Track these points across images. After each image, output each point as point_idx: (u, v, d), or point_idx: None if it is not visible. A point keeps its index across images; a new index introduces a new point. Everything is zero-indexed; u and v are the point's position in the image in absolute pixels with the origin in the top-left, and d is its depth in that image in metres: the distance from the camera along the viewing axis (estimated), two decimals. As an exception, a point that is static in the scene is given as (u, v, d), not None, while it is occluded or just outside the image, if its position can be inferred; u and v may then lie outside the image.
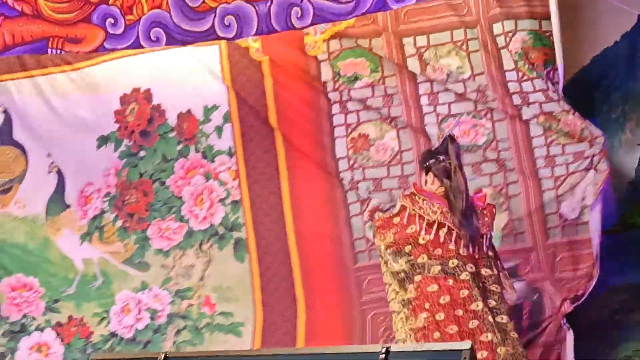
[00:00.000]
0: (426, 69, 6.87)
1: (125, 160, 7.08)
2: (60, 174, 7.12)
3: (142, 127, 7.09)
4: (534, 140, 6.70)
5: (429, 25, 6.93)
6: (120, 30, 7.06)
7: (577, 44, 6.98)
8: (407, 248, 5.23)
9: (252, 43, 7.00)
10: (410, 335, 5.17)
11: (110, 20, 7.07)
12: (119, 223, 7.04)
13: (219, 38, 7.02)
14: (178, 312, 6.85)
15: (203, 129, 7.03)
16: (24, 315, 6.86)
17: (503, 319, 5.26)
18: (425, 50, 6.90)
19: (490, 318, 5.16)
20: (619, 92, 7.06)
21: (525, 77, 6.78)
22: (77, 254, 7.00)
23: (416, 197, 5.32)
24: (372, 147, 6.78)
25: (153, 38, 7.09)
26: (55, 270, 6.95)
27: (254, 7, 7.09)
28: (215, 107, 6.98)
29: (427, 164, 5.39)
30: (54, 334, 6.83)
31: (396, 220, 5.29)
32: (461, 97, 6.79)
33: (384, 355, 3.82)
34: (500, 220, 6.53)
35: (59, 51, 6.68)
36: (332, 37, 6.95)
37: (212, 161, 7.01)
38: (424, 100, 6.84)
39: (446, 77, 6.87)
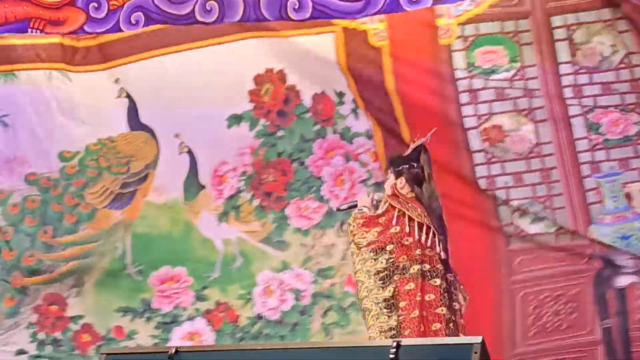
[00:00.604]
0: (576, 55, 6.65)
1: (262, 139, 6.96)
2: (191, 154, 7.01)
3: (278, 107, 6.94)
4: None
5: (576, 2, 6.66)
6: (102, 15, 6.90)
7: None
8: (389, 247, 5.30)
9: (374, 24, 6.71)
10: (380, 334, 5.29)
11: (94, 4, 6.90)
12: (256, 202, 6.99)
13: (197, 22, 6.84)
14: (321, 292, 6.93)
15: (339, 110, 6.89)
16: (175, 307, 6.95)
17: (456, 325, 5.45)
18: (576, 30, 6.64)
19: (452, 325, 5.33)
20: None
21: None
22: (216, 235, 7.01)
23: (400, 198, 5.38)
24: (508, 138, 6.64)
25: (133, 22, 6.91)
26: (199, 256, 6.97)
27: (241, -6, 6.78)
28: (343, 93, 6.84)
29: (400, 168, 5.42)
30: (205, 322, 6.94)
31: (382, 219, 5.36)
32: (608, 89, 6.62)
33: (394, 349, 3.84)
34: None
35: (39, 31, 6.62)
36: (470, 20, 6.66)
37: (351, 143, 6.93)
38: (567, 92, 6.69)
39: (598, 64, 6.64)
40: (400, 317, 5.22)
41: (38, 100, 6.91)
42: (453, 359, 3.80)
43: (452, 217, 6.30)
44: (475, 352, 3.77)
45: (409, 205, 5.30)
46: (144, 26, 6.69)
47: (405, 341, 3.89)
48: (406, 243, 5.28)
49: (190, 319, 6.94)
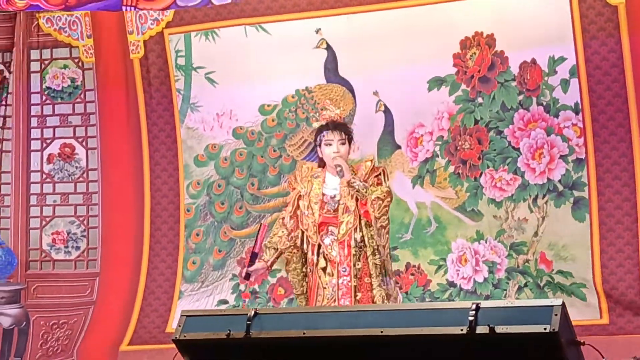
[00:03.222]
0: None
1: (460, 105, 6.69)
2: (388, 112, 6.87)
3: (482, 73, 6.62)
4: None
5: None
6: (194, -11, 6.50)
7: None
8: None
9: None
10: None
11: (186, -22, 6.50)
12: (451, 169, 6.77)
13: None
14: (516, 267, 6.61)
15: (548, 80, 6.44)
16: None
17: None
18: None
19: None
20: None
21: None
22: (410, 197, 6.87)
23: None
24: None
25: (227, -6, 6.42)
26: (392, 215, 6.83)
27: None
28: (561, 59, 6.38)
29: (350, 134, 5.43)
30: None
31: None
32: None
33: (474, 312, 3.85)
34: None
35: (132, 8, 6.35)
36: None
37: (556, 116, 6.47)
38: None
39: None
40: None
41: (238, 55, 7.03)
42: (533, 319, 3.79)
43: None
44: (556, 314, 3.77)
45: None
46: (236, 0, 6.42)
47: (484, 303, 3.90)
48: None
49: (379, 278, 6.94)
